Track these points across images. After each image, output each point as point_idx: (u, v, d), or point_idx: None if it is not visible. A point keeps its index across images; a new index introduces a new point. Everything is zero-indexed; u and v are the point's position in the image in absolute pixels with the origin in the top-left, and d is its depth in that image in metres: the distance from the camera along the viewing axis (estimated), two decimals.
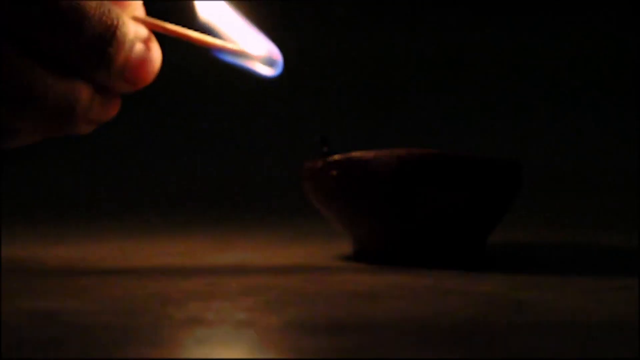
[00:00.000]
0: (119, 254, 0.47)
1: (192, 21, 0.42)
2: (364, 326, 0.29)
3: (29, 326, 0.29)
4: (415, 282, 0.37)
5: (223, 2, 0.43)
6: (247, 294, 0.34)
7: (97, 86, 0.41)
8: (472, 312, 0.31)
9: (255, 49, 0.42)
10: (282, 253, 0.47)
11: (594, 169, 0.87)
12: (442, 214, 0.40)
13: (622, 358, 0.25)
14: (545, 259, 0.46)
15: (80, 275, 0.39)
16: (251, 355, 0.26)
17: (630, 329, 0.28)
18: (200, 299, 0.33)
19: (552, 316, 0.30)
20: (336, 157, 0.42)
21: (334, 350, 0.26)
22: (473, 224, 0.42)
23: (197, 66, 0.72)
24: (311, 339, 0.28)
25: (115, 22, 0.39)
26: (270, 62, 0.42)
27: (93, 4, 0.38)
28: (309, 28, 0.95)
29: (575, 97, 0.97)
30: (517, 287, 0.35)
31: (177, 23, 0.42)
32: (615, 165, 0.87)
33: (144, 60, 0.41)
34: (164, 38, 0.42)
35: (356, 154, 0.41)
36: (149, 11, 0.42)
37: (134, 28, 0.40)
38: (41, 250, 0.48)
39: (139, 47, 0.40)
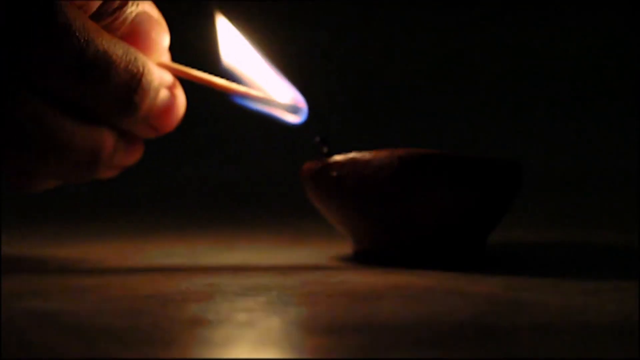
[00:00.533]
0: (119, 254, 0.47)
1: (216, 67, 0.43)
2: (364, 326, 0.29)
3: (29, 327, 0.29)
4: (415, 283, 0.37)
5: (246, 47, 0.43)
6: (247, 294, 0.34)
7: (121, 132, 0.40)
8: (472, 312, 0.31)
9: (278, 96, 0.43)
10: (282, 253, 0.47)
11: (594, 169, 0.87)
12: (442, 214, 0.40)
13: (622, 359, 0.25)
14: (545, 259, 0.46)
15: (80, 275, 0.39)
16: (251, 356, 0.26)
17: (630, 329, 0.28)
18: (200, 299, 0.33)
19: (551, 316, 0.30)
20: (336, 157, 0.42)
21: (334, 351, 0.26)
22: (473, 224, 0.42)
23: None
24: (311, 339, 0.28)
25: (140, 70, 0.39)
26: (294, 110, 0.43)
27: (119, 52, 0.38)
28: (310, 29, 0.95)
29: (575, 98, 0.97)
30: (517, 288, 0.35)
31: (201, 69, 0.42)
32: (615, 165, 0.87)
33: (168, 107, 0.41)
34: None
35: (356, 154, 0.41)
36: (174, 57, 0.42)
37: (159, 75, 0.40)
38: (41, 250, 0.48)
39: (163, 94, 0.40)
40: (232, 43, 0.43)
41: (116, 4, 0.38)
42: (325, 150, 0.43)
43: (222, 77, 0.42)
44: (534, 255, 0.48)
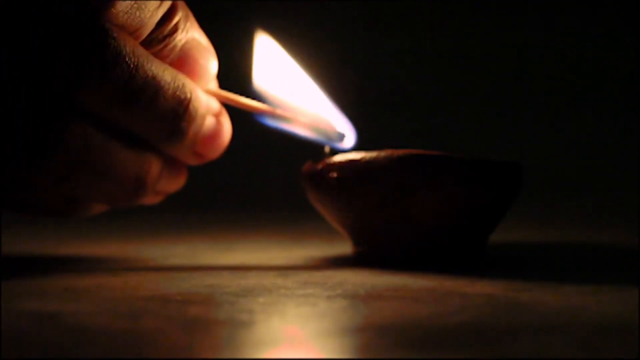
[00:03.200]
0: (119, 255, 0.47)
1: (249, 90, 0.43)
2: (364, 327, 0.29)
3: (29, 327, 0.29)
4: (415, 283, 0.37)
5: (290, 67, 0.43)
6: (247, 295, 0.34)
7: (166, 158, 0.40)
8: (472, 313, 0.31)
9: (324, 122, 0.43)
10: (282, 254, 0.47)
11: (594, 169, 0.87)
12: (442, 215, 0.40)
13: (622, 359, 0.25)
14: (545, 259, 0.46)
15: (80, 276, 0.39)
16: (252, 356, 0.26)
17: (630, 329, 0.28)
18: (200, 300, 0.33)
19: (551, 317, 0.30)
20: (336, 158, 0.42)
21: (334, 351, 0.26)
22: (473, 224, 0.42)
23: None
24: (311, 340, 0.28)
25: (188, 96, 0.39)
26: (339, 137, 0.43)
27: (168, 78, 0.38)
28: (309, 28, 0.95)
29: (575, 98, 0.97)
30: (517, 288, 0.35)
31: (243, 93, 0.42)
32: (615, 165, 0.87)
33: (213, 135, 0.41)
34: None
35: (356, 154, 0.41)
36: (222, 84, 0.42)
37: (206, 102, 0.40)
38: (41, 250, 0.48)
39: (209, 121, 0.41)
40: (271, 63, 0.43)
41: (166, 31, 0.38)
42: (325, 150, 0.43)
43: (259, 100, 0.42)
44: (534, 255, 0.48)
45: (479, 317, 0.30)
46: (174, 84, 0.38)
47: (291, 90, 0.43)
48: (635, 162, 0.87)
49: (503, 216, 0.43)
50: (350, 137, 0.43)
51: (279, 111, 0.42)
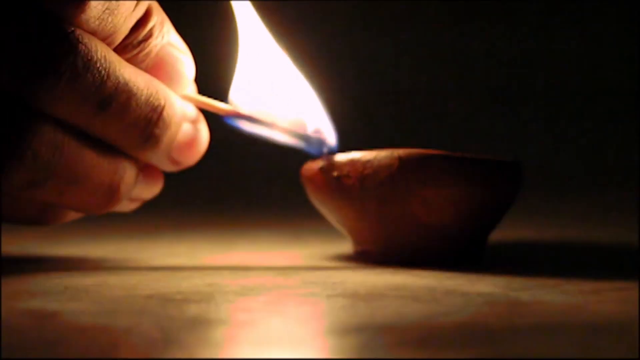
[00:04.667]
0: (119, 254, 0.47)
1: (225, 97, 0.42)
2: (364, 326, 0.29)
3: (29, 326, 0.29)
4: (415, 283, 0.37)
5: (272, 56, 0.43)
6: (247, 294, 0.34)
7: (141, 165, 0.40)
8: (472, 312, 0.31)
9: (304, 127, 0.42)
10: (282, 253, 0.47)
11: (594, 168, 0.87)
12: (442, 214, 0.40)
13: (622, 358, 0.25)
14: (545, 259, 0.46)
15: (80, 275, 0.39)
16: (251, 356, 0.26)
17: (630, 329, 0.28)
18: (200, 299, 0.33)
19: (551, 316, 0.30)
20: (337, 157, 0.42)
21: (334, 351, 0.26)
22: (473, 224, 0.42)
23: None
24: (311, 340, 0.28)
25: (162, 103, 0.38)
26: (318, 142, 0.42)
27: (141, 84, 0.37)
28: (309, 27, 0.95)
29: (576, 97, 0.98)
30: (517, 288, 0.35)
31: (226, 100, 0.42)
32: (615, 165, 0.87)
33: (190, 142, 0.40)
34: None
35: (356, 154, 0.41)
36: (201, 89, 0.42)
37: (182, 108, 0.40)
38: (41, 250, 0.48)
39: (185, 128, 0.40)
40: (256, 51, 0.42)
41: (141, 36, 0.38)
42: (325, 150, 0.43)
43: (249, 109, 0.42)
44: (534, 255, 0.48)
45: (479, 317, 0.30)
46: (148, 90, 0.38)
47: (273, 84, 0.43)
48: (635, 162, 0.87)
49: (503, 215, 0.43)
50: (330, 142, 0.43)
51: (256, 116, 0.42)
